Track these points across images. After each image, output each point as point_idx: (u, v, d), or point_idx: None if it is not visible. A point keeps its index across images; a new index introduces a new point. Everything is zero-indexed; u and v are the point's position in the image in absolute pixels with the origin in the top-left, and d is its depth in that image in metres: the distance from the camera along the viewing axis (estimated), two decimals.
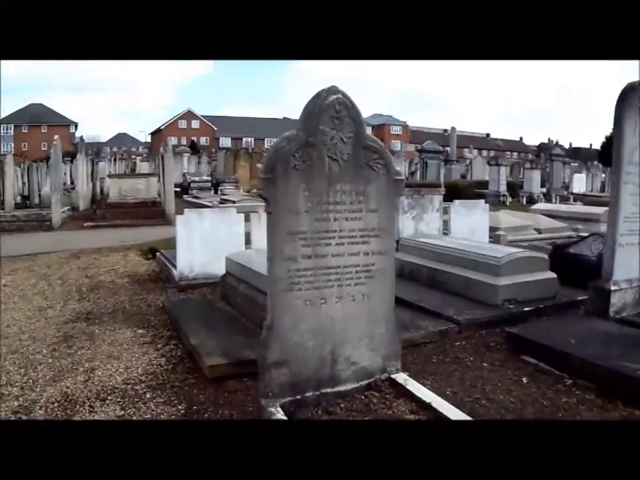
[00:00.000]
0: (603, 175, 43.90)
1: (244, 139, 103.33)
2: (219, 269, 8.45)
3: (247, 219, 10.04)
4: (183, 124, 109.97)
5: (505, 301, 7.45)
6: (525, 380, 5.50)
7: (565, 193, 31.71)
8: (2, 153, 64.69)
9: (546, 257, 8.22)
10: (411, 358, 5.96)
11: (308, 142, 4.37)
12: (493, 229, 12.21)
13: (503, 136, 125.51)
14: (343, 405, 4.63)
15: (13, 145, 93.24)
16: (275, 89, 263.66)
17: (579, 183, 36.46)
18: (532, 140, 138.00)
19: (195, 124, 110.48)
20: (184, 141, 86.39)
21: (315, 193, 4.45)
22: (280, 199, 4.34)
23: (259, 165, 4.19)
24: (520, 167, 43.60)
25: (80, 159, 25.50)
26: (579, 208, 17.49)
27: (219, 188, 30.10)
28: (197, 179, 32.29)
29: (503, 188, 28.97)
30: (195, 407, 5.00)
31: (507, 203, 26.63)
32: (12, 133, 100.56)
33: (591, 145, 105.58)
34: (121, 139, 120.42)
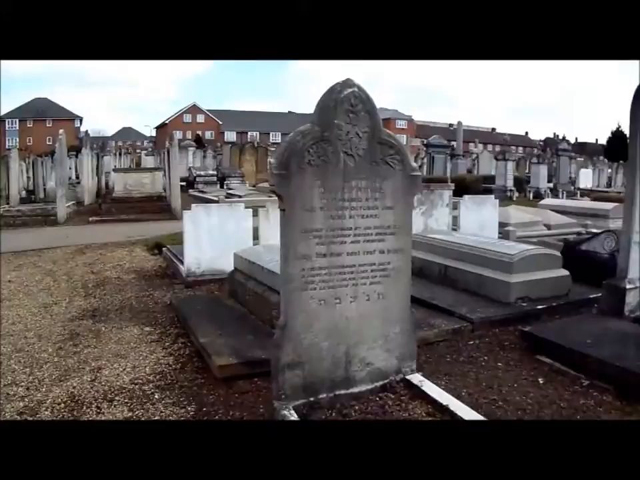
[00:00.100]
0: (609, 170, 43.75)
1: (249, 133, 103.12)
2: (227, 265, 8.37)
3: (255, 214, 9.93)
4: (187, 118, 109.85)
5: (518, 299, 7.35)
6: (541, 381, 5.39)
7: (572, 188, 31.52)
8: (7, 147, 64.72)
9: (559, 254, 8.10)
10: (425, 357, 5.85)
11: (323, 137, 4.27)
12: (502, 225, 12.09)
13: (508, 131, 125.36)
14: (357, 407, 4.54)
15: (17, 139, 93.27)
16: (280, 83, 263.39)
17: (586, 178, 36.33)
18: (537, 135, 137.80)
19: (200, 118, 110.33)
20: (189, 135, 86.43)
21: (330, 189, 4.35)
22: (294, 195, 4.24)
23: (271, 160, 4.07)
24: (526, 162, 43.40)
25: (85, 153, 25.49)
26: (587, 203, 17.34)
27: (225, 182, 29.99)
28: (202, 173, 32.13)
29: (510, 183, 28.79)
30: (204, 409, 4.89)
31: (514, 198, 26.46)
32: (17, 128, 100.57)
33: (596, 139, 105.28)
34: (126, 133, 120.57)
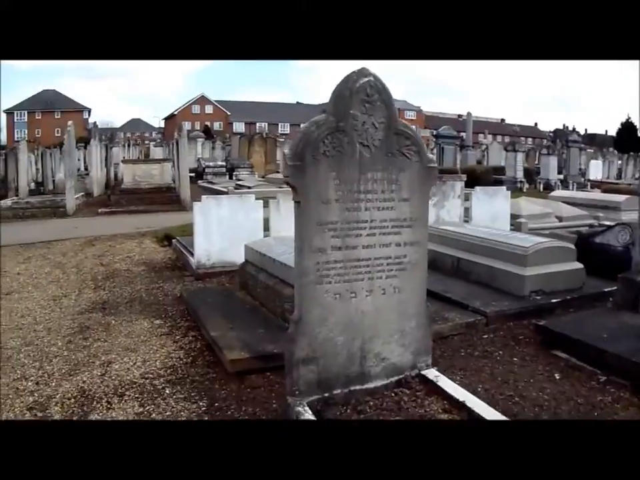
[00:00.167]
0: (619, 162, 43.55)
1: (257, 124, 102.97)
2: (237, 257, 8.31)
3: (266, 205, 9.86)
4: (196, 109, 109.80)
5: (532, 292, 7.27)
6: (557, 376, 5.32)
7: (582, 179, 31.39)
8: (15, 139, 64.84)
9: (573, 246, 8.01)
10: (439, 352, 5.78)
11: (338, 127, 4.19)
12: (513, 217, 12.01)
13: (517, 122, 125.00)
14: (372, 403, 4.47)
15: (26, 131, 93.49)
16: (285, 74, 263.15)
17: (596, 170, 36.12)
18: (546, 126, 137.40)
19: (209, 109, 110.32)
20: (197, 126, 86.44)
21: (346, 181, 4.26)
22: (309, 187, 4.15)
23: (285, 151, 3.99)
24: (535, 153, 43.22)
25: (94, 144, 25.51)
26: (598, 195, 17.25)
27: (234, 173, 29.95)
28: (211, 164, 32.06)
29: (520, 174, 28.69)
30: (216, 404, 4.83)
31: (524, 190, 26.34)
32: (26, 120, 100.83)
33: (606, 131, 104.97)
34: (135, 124, 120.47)
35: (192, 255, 9.71)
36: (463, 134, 40.20)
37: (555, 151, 33.87)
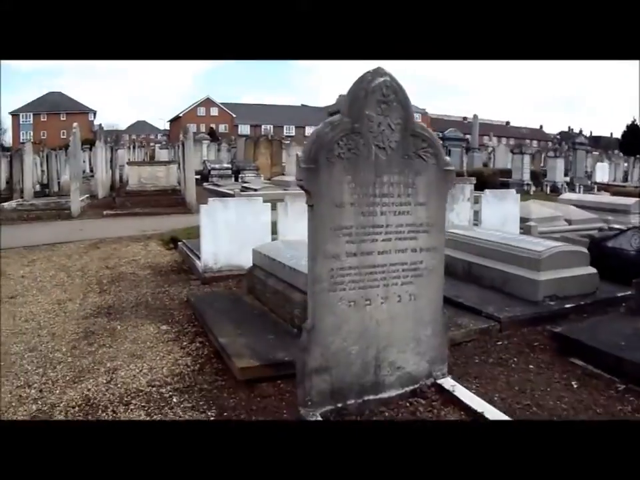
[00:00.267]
0: (625, 164, 43.46)
1: (262, 126, 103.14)
2: (245, 261, 8.19)
3: (273, 208, 9.73)
4: (201, 111, 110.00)
5: (546, 297, 7.14)
6: (574, 384, 5.20)
7: (589, 182, 31.29)
8: (21, 141, 64.99)
9: (586, 250, 7.88)
10: (453, 359, 5.63)
11: (353, 128, 4.08)
12: (522, 220, 11.92)
13: (522, 124, 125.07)
14: (387, 414, 4.40)
15: (32, 133, 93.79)
16: (288, 76, 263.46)
17: (602, 172, 36.07)
18: (551, 128, 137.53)
19: (214, 111, 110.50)
20: (203, 128, 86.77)
21: (361, 184, 4.16)
22: (323, 190, 4.04)
23: (299, 154, 3.89)
24: (541, 156, 43.17)
25: (99, 146, 25.44)
26: (607, 198, 17.21)
27: (240, 175, 30.04)
28: (217, 166, 32.06)
29: (527, 177, 28.59)
30: (225, 413, 4.70)
31: (531, 192, 26.24)
32: (31, 121, 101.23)
33: (611, 133, 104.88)
34: (140, 127, 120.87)
35: (198, 258, 9.58)
36: (468, 136, 40.19)
37: (561, 153, 33.78)
